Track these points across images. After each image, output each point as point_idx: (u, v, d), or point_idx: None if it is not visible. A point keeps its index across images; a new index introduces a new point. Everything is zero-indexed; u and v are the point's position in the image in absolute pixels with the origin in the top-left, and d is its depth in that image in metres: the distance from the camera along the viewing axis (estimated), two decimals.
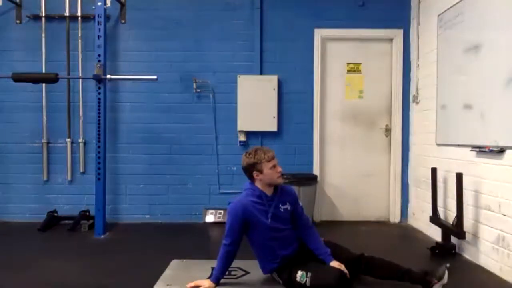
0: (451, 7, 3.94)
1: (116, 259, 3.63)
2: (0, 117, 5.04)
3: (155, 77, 4.49)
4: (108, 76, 4.43)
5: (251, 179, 2.77)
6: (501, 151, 3.17)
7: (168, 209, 5.04)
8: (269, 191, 2.79)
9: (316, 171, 5.01)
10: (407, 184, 5.04)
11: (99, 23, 4.27)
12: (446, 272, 2.70)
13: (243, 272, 3.02)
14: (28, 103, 5.02)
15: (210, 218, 4.97)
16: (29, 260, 3.56)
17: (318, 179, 4.92)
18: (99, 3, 4.27)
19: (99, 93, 4.31)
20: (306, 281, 2.62)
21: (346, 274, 2.62)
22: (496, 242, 3.25)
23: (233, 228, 2.70)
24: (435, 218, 3.96)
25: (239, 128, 4.97)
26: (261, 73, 5.02)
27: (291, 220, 2.86)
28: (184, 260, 3.31)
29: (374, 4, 5.02)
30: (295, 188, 4.58)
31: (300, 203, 2.92)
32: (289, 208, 2.83)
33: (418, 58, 4.82)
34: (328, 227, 4.79)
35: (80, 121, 5.02)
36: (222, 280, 2.76)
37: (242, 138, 5.02)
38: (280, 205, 2.80)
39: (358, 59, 5.12)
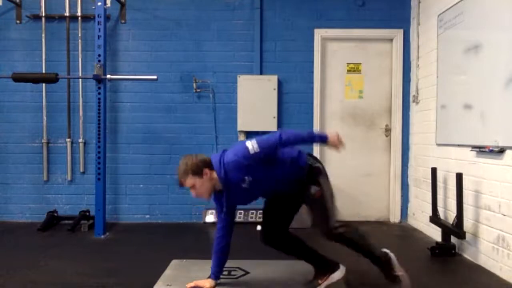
0: (451, 7, 3.94)
1: (116, 259, 3.63)
2: (0, 117, 5.04)
3: (155, 77, 4.49)
4: (108, 76, 4.44)
5: (198, 174, 2.51)
6: (501, 151, 3.17)
7: (168, 209, 5.04)
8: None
9: None
10: (407, 184, 5.05)
11: (99, 23, 4.27)
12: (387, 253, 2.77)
13: (243, 272, 3.02)
14: (28, 103, 5.02)
15: (210, 218, 4.96)
16: (29, 260, 3.56)
17: None
18: (99, 3, 4.27)
19: (99, 93, 4.31)
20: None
21: None
22: (496, 242, 3.25)
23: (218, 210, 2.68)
24: (435, 218, 3.97)
25: (239, 128, 4.98)
26: (261, 73, 5.02)
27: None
28: (184, 260, 3.31)
29: (374, 4, 5.02)
30: None
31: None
32: (251, 178, 2.53)
33: (418, 58, 4.82)
34: None
35: (80, 121, 5.02)
36: (222, 280, 2.76)
37: (242, 138, 5.02)
38: (241, 184, 2.55)
39: (358, 59, 5.12)
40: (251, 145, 2.49)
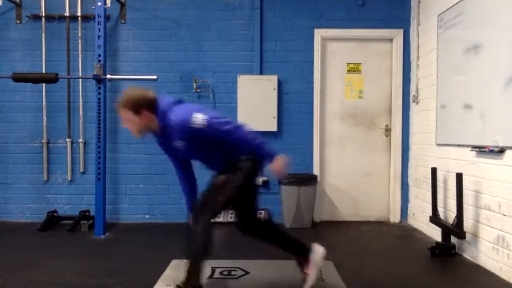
0: (451, 7, 3.94)
1: (116, 259, 3.63)
2: (0, 117, 5.04)
3: (155, 77, 4.49)
4: (108, 76, 4.44)
5: (135, 112, 2.43)
6: (501, 151, 3.18)
7: (168, 209, 5.04)
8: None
9: (316, 171, 5.01)
10: (407, 184, 5.05)
11: (99, 23, 4.27)
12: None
13: (243, 272, 3.03)
14: (28, 103, 5.02)
15: None
16: (29, 260, 3.56)
17: (318, 179, 4.92)
18: (99, 3, 4.27)
19: (99, 93, 4.31)
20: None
21: None
22: (496, 242, 3.25)
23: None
24: (435, 218, 3.97)
25: None
26: (261, 73, 5.02)
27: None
28: (184, 260, 3.31)
29: (374, 4, 5.02)
30: (295, 188, 4.64)
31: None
32: (185, 144, 2.49)
33: (418, 58, 4.82)
34: (328, 227, 4.80)
35: (80, 121, 5.03)
36: (222, 280, 2.75)
37: None
38: (175, 143, 2.51)
39: (358, 59, 5.12)
40: (199, 118, 2.37)
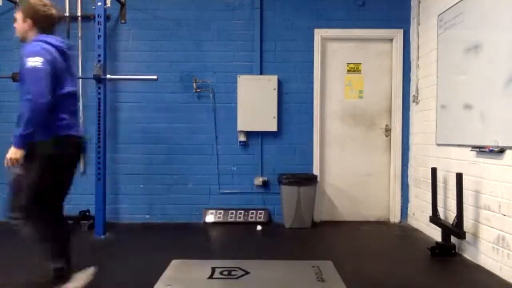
0: (451, 7, 3.94)
1: (116, 259, 3.62)
2: (0, 117, 5.04)
3: (155, 77, 4.50)
4: (108, 76, 4.44)
5: (24, 16, 2.57)
6: (501, 151, 3.18)
7: (168, 209, 5.04)
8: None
9: (316, 171, 5.01)
10: (407, 184, 5.05)
11: (99, 23, 4.27)
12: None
13: (243, 272, 3.03)
14: None
15: (210, 218, 4.97)
16: (29, 260, 3.55)
17: (318, 179, 4.92)
18: (99, 3, 4.27)
19: (99, 93, 4.31)
20: None
21: None
22: (496, 242, 3.25)
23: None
24: (435, 218, 3.97)
25: (239, 128, 4.98)
26: (261, 73, 5.02)
27: None
28: (184, 260, 3.31)
29: (374, 4, 5.02)
30: (295, 188, 4.65)
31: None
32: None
33: (418, 58, 4.82)
34: (328, 227, 4.80)
35: (80, 121, 5.02)
36: (222, 280, 2.75)
37: (242, 138, 5.02)
38: None
39: (358, 59, 5.13)
40: (33, 61, 2.38)
